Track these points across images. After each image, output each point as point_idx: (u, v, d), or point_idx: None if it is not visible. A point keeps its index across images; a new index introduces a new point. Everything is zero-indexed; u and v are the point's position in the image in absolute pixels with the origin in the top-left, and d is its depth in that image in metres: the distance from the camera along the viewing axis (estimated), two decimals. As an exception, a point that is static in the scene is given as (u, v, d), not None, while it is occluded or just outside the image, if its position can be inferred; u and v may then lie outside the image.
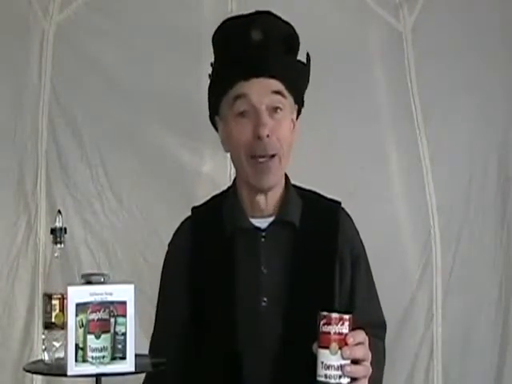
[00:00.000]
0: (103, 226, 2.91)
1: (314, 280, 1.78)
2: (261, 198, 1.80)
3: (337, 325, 1.50)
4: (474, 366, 2.96)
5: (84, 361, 1.49)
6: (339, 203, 1.89)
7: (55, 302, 1.59)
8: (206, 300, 1.80)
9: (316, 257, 1.79)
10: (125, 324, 1.51)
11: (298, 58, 1.86)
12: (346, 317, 1.51)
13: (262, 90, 1.73)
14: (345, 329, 1.50)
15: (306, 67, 1.83)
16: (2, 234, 2.87)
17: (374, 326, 1.83)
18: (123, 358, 1.51)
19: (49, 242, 1.70)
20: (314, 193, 1.90)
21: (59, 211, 1.68)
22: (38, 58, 2.94)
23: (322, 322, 1.51)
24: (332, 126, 2.88)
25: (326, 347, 1.50)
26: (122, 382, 1.59)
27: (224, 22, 1.84)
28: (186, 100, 2.91)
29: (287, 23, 1.80)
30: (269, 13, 1.79)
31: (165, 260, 1.93)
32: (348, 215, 1.89)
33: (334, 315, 1.51)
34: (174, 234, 1.93)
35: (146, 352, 1.73)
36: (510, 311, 2.99)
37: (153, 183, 2.92)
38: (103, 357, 1.50)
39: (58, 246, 1.63)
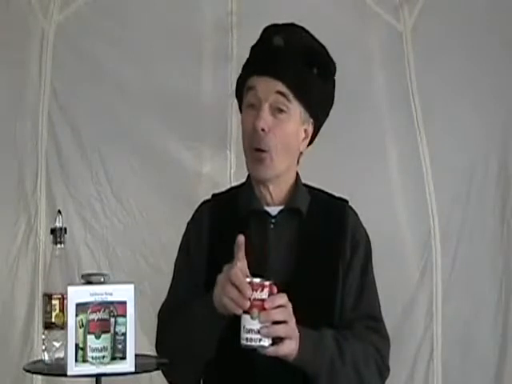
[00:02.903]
0: (103, 226, 2.91)
1: (316, 268, 1.84)
2: (264, 189, 1.88)
3: (257, 291, 1.58)
4: (474, 365, 2.96)
5: (84, 361, 1.49)
6: (346, 201, 1.97)
7: (55, 302, 1.59)
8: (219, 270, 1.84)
9: (320, 246, 1.86)
10: (125, 324, 1.52)
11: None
12: (266, 283, 1.59)
13: (268, 88, 1.83)
14: (264, 295, 1.58)
15: (326, 87, 1.92)
16: (2, 233, 2.88)
17: (362, 317, 1.86)
18: (123, 358, 1.51)
19: (49, 242, 1.70)
20: (323, 191, 1.98)
21: (59, 211, 1.68)
22: (38, 58, 2.94)
23: None
24: (331, 127, 2.87)
25: (248, 312, 1.58)
26: (122, 381, 1.59)
27: (268, 27, 1.94)
28: (187, 100, 2.91)
29: (319, 43, 1.91)
30: (302, 28, 1.91)
31: (185, 233, 1.97)
32: (354, 212, 1.97)
33: (255, 281, 1.59)
34: (194, 213, 1.98)
35: (146, 352, 1.73)
36: (510, 311, 2.99)
37: (153, 183, 2.92)
38: (103, 357, 1.50)
39: (58, 246, 1.63)
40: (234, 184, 2.76)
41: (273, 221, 1.86)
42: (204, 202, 1.98)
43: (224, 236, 1.83)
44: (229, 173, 2.90)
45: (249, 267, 1.78)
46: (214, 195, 1.99)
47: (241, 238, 1.66)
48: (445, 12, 3.01)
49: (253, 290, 1.58)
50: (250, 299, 1.58)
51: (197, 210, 1.97)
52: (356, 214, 1.96)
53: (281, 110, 1.83)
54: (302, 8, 2.83)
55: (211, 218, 1.92)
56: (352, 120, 2.93)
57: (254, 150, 1.83)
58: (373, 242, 1.95)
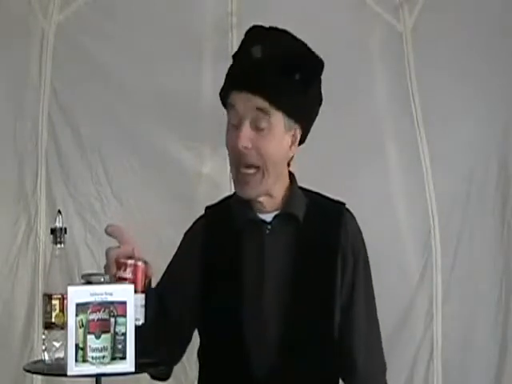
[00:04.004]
0: (103, 226, 2.90)
1: (314, 270, 1.84)
2: (256, 203, 1.87)
3: (120, 269, 1.61)
4: (474, 365, 2.96)
5: (84, 361, 1.49)
6: (344, 204, 1.94)
7: (55, 302, 1.59)
8: (214, 284, 1.85)
9: (318, 249, 1.86)
10: (125, 324, 1.52)
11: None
12: (129, 262, 1.61)
13: (248, 105, 1.80)
14: (127, 274, 1.60)
15: (309, 90, 1.85)
16: (2, 233, 2.88)
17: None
18: (123, 358, 1.51)
19: (49, 242, 1.70)
20: (320, 194, 1.96)
21: (59, 211, 1.68)
22: (38, 58, 2.94)
23: None
24: (331, 127, 2.88)
25: None
26: (122, 381, 1.59)
27: (249, 29, 1.90)
28: (187, 100, 2.91)
29: (302, 46, 1.86)
30: (284, 31, 1.86)
31: (182, 242, 1.96)
32: (352, 215, 1.94)
33: (122, 260, 1.61)
34: (192, 225, 1.97)
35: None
36: (510, 311, 2.99)
37: (153, 183, 2.92)
38: (103, 357, 1.50)
39: (58, 245, 1.63)
40: (233, 184, 2.77)
41: (268, 227, 1.85)
42: (201, 217, 1.96)
43: (221, 249, 1.85)
44: (229, 173, 2.89)
45: (247, 273, 1.82)
46: (207, 208, 1.97)
47: (109, 228, 1.73)
48: (445, 12, 3.01)
49: (118, 269, 1.60)
50: (115, 276, 1.60)
51: (194, 224, 1.96)
52: (353, 217, 1.93)
53: (261, 125, 1.79)
54: (301, 8, 2.83)
55: (207, 231, 1.91)
56: (352, 120, 2.93)
57: (241, 168, 1.81)
58: (372, 242, 1.95)
